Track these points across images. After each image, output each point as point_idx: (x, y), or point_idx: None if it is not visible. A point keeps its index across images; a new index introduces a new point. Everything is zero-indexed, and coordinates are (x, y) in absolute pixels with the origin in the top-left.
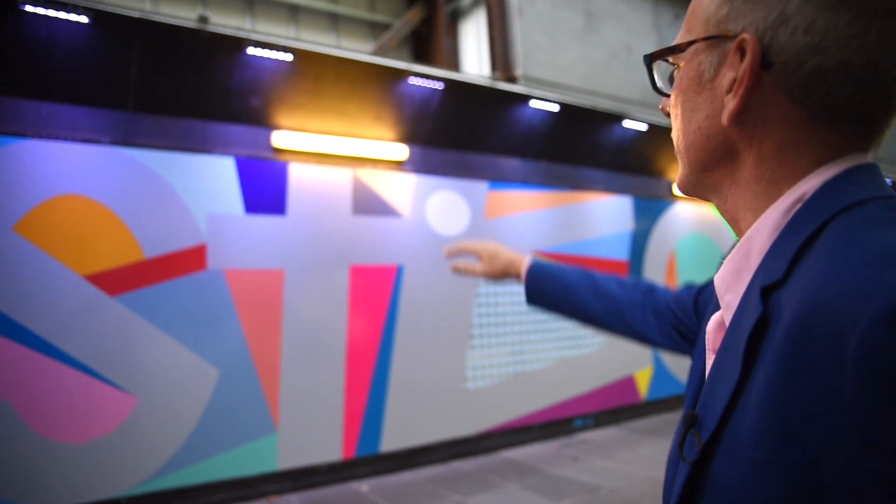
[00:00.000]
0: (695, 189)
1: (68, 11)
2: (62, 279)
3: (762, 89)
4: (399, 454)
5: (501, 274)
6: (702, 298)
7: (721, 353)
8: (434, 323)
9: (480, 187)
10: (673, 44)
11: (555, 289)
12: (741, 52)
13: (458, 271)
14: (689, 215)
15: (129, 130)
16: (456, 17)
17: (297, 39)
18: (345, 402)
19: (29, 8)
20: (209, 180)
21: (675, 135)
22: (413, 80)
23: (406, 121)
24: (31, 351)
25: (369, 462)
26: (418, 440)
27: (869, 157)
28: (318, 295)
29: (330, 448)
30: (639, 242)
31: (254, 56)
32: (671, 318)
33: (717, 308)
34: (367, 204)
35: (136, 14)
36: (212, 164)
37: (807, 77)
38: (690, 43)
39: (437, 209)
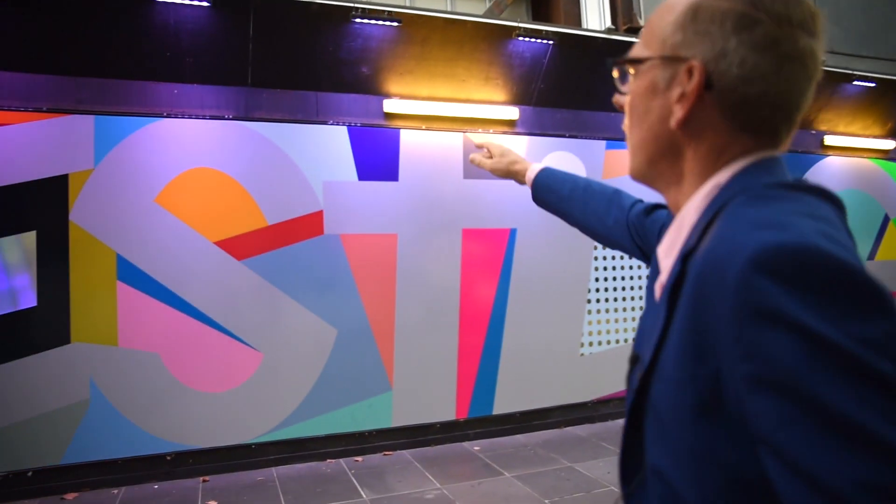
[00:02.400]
0: (644, 177)
1: None
2: (196, 245)
3: (702, 104)
4: (511, 416)
5: (505, 172)
6: (650, 220)
7: (656, 306)
8: (548, 287)
9: (597, 146)
10: (632, 56)
11: (553, 199)
12: (689, 73)
13: (472, 162)
14: (843, 170)
15: (250, 105)
16: None
17: (410, 6)
18: (458, 363)
19: None
20: (324, 149)
21: (627, 129)
22: (522, 38)
23: (517, 80)
24: (173, 309)
25: (481, 423)
26: (531, 404)
27: (777, 153)
28: (431, 258)
29: (443, 407)
30: None
31: (361, 24)
32: (628, 228)
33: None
34: (479, 168)
35: None
36: (326, 133)
37: (737, 100)
38: (649, 58)
39: None
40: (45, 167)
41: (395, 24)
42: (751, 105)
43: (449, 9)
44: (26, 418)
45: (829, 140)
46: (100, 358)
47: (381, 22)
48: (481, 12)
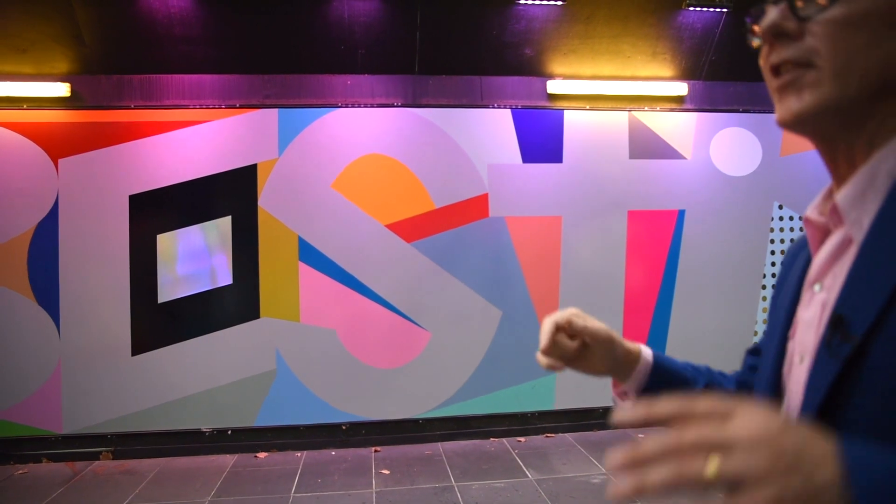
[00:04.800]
0: (836, 116)
1: None
2: (369, 228)
3: None
4: None
5: (612, 361)
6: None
7: (865, 259)
8: (719, 271)
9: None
10: None
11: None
12: None
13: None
14: None
15: (417, 92)
16: None
17: None
18: None
19: None
20: (488, 133)
21: (832, 58)
22: (693, 7)
23: (686, 53)
24: (348, 289)
25: None
26: None
27: None
28: (596, 241)
29: (606, 392)
30: None
31: (525, 6)
32: None
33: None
34: (645, 147)
35: None
36: (490, 116)
37: None
38: None
39: (724, 148)
40: (238, 158)
41: (560, 2)
42: None
43: None
44: (225, 383)
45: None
46: (285, 332)
47: (545, 2)
48: None
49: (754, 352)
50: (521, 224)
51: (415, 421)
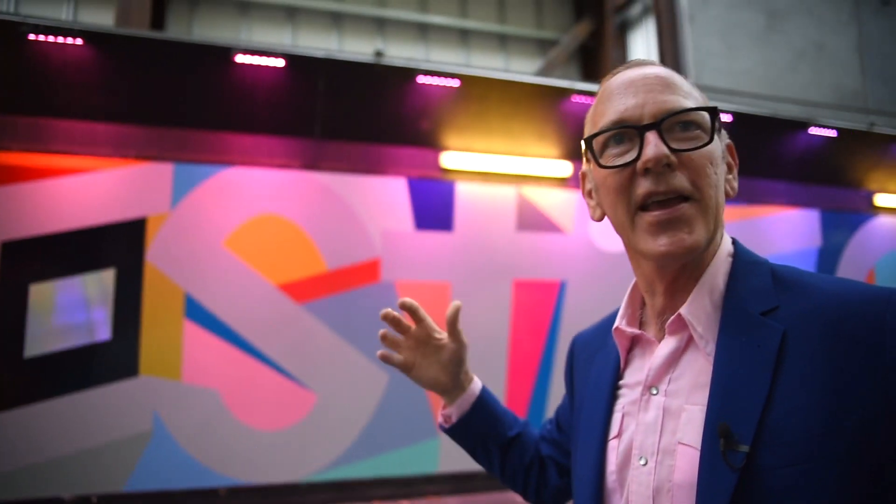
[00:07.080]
0: (701, 249)
1: (269, 56)
2: (259, 288)
3: None
4: None
5: (451, 369)
6: (562, 421)
7: (727, 372)
8: None
9: None
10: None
11: (495, 428)
12: (730, 152)
13: (384, 357)
14: (894, 230)
15: (316, 156)
16: (624, 28)
17: (467, 65)
18: None
19: (239, 59)
20: (383, 199)
21: (709, 192)
22: (577, 98)
23: (570, 137)
24: (235, 348)
25: None
26: None
27: None
28: (482, 307)
29: None
30: (828, 261)
31: (423, 83)
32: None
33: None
34: (531, 220)
35: (321, 54)
36: (386, 184)
37: None
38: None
39: (602, 225)
40: (128, 210)
41: (456, 83)
42: None
43: (503, 66)
44: (94, 445)
45: (880, 200)
46: (164, 391)
47: (442, 80)
48: (534, 68)
49: (551, 422)
50: (411, 289)
51: (297, 485)
